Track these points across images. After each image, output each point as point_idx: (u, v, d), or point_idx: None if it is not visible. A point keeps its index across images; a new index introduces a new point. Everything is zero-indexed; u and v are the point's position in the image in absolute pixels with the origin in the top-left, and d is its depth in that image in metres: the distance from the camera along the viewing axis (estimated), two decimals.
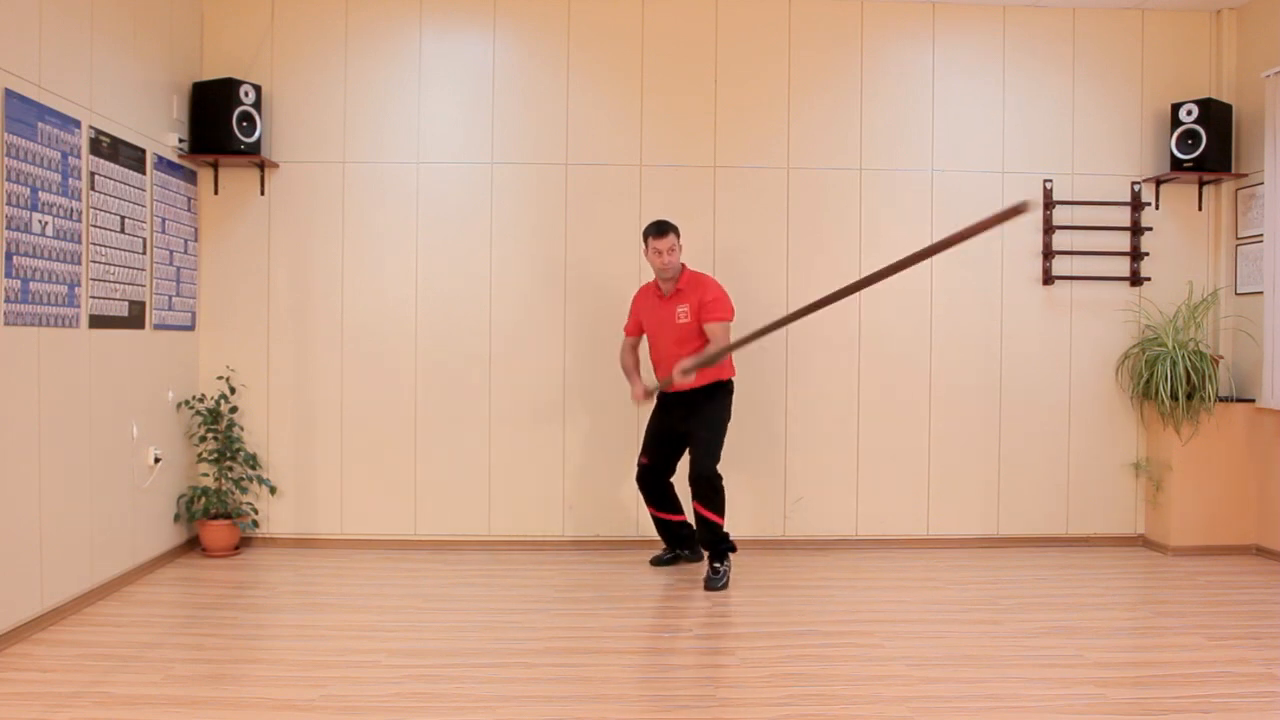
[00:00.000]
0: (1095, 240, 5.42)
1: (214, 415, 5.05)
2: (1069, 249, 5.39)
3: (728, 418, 4.64)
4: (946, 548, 5.33)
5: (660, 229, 4.54)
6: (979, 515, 5.41)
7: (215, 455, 5.06)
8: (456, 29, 5.29)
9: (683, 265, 4.64)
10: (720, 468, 4.52)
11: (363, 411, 5.24)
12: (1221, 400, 5.20)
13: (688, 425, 4.61)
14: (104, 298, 4.22)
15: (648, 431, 4.82)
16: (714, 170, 5.31)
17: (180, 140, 4.92)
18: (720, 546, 4.55)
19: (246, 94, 4.96)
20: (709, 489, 4.49)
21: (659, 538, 4.95)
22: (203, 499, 4.97)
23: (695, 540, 4.79)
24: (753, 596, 4.39)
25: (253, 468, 5.13)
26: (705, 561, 4.69)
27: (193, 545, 5.10)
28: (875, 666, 3.44)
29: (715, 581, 4.48)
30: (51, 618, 3.81)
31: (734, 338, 4.42)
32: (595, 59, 5.30)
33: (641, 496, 4.87)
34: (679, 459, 4.78)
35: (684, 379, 4.41)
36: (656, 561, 4.91)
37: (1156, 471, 5.35)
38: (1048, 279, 5.40)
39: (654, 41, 5.31)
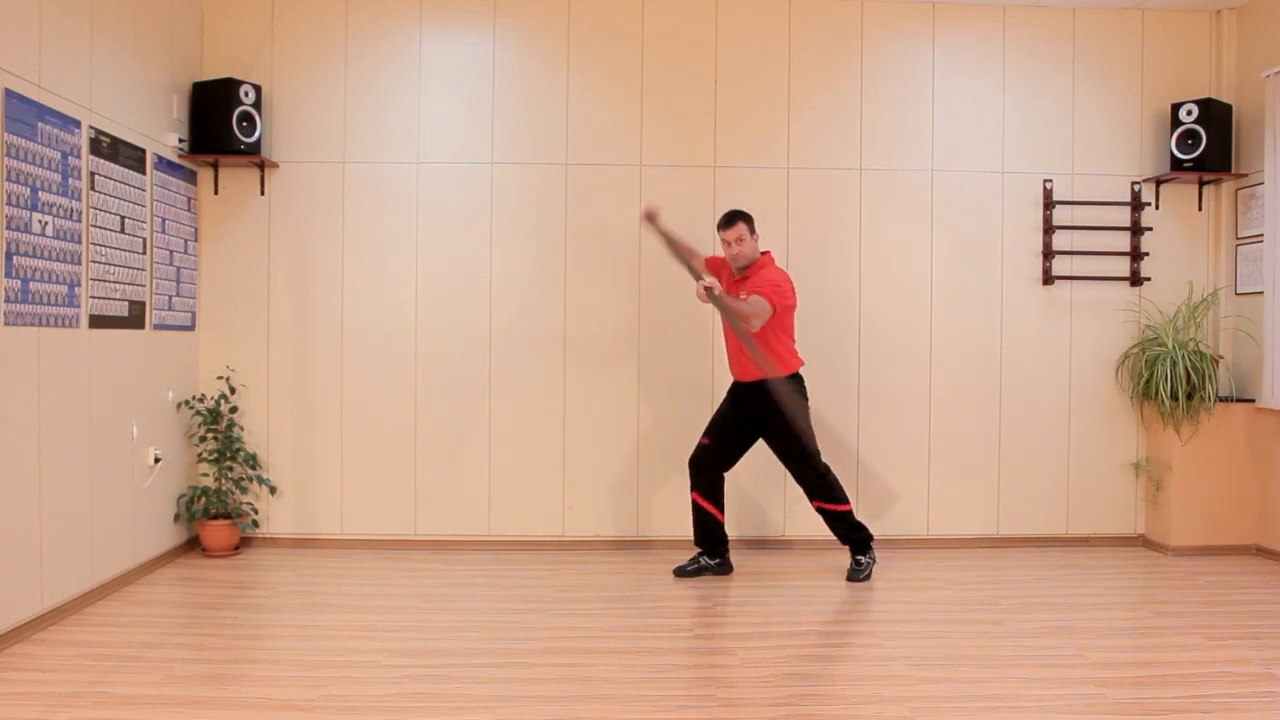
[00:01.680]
0: (1095, 240, 5.41)
1: (214, 415, 5.05)
2: (1069, 249, 5.39)
3: (804, 418, 4.43)
4: (946, 548, 5.32)
5: (727, 220, 4.34)
6: (979, 515, 5.40)
7: (215, 455, 5.06)
8: (456, 29, 5.29)
9: (762, 255, 4.45)
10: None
11: (363, 411, 5.24)
12: (1221, 400, 5.20)
13: (761, 432, 4.53)
14: (104, 298, 4.22)
15: (717, 412, 4.67)
16: (714, 170, 5.31)
17: (180, 140, 4.92)
18: (855, 536, 4.57)
19: (246, 94, 4.96)
20: (820, 485, 4.51)
21: (674, 537, 4.93)
22: (203, 499, 4.97)
23: (724, 546, 4.68)
24: (753, 596, 4.38)
25: (253, 468, 5.13)
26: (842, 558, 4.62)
27: (193, 545, 5.10)
28: (875, 666, 3.44)
29: (857, 573, 4.54)
30: (51, 618, 3.81)
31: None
32: (595, 59, 5.30)
33: (690, 480, 4.67)
34: (740, 456, 4.63)
35: (717, 300, 4.18)
36: (680, 572, 4.65)
37: (1156, 471, 5.35)
38: (1048, 279, 5.40)
39: (654, 41, 5.31)
